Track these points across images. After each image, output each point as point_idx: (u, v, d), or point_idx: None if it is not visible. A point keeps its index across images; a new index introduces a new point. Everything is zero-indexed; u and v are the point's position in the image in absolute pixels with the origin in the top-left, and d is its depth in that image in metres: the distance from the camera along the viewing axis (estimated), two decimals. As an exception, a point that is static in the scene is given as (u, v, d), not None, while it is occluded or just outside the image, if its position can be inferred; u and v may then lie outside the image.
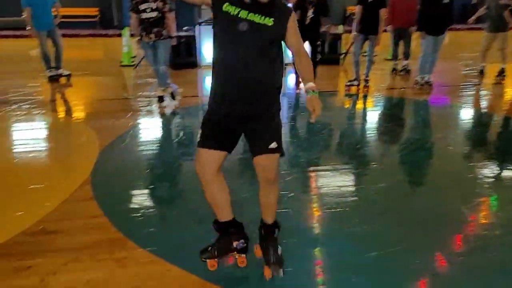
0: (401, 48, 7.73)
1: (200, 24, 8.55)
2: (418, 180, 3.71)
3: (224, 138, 2.18)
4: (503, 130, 5.09)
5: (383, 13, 6.19)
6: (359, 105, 6.36)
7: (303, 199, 3.20)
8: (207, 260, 2.32)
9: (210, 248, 2.32)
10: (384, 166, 3.83)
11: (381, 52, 8.80)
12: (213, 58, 2.12)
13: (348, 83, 6.75)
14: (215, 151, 2.16)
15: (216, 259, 2.32)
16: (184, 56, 8.47)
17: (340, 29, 9.44)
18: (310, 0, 6.21)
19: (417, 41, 6.92)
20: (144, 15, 5.18)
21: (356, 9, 6.44)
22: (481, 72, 7.64)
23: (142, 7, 5.16)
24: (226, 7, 1.99)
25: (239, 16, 1.97)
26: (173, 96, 5.71)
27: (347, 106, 6.38)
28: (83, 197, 3.15)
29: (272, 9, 2.00)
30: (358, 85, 6.68)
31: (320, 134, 4.75)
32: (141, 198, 3.22)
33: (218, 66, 2.10)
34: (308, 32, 6.31)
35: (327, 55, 8.62)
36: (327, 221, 2.87)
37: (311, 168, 3.77)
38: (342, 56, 9.07)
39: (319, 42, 6.68)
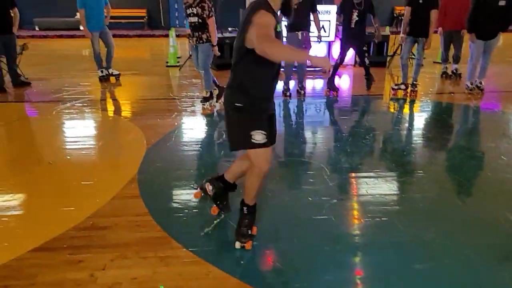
0: (452, 51, 7.44)
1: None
2: (468, 190, 3.55)
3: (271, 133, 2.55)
4: None
5: (435, 14, 5.95)
6: (406, 109, 6.17)
7: (345, 206, 3.14)
8: (246, 242, 2.58)
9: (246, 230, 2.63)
10: (431, 174, 3.69)
11: (429, 55, 8.50)
12: (262, 65, 2.31)
13: (395, 87, 6.57)
14: (271, 146, 2.53)
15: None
16: (228, 57, 8.56)
17: (387, 30, 9.21)
18: (355, 2, 6.10)
19: (467, 43, 6.62)
20: (189, 19, 5.40)
21: (405, 10, 6.24)
22: None
23: (188, 11, 5.37)
24: (278, 28, 2.33)
25: (279, 30, 2.38)
26: (215, 97, 5.83)
27: (393, 110, 6.21)
28: (130, 194, 3.26)
29: None
30: (405, 89, 6.49)
31: (364, 139, 4.66)
32: (184, 198, 3.29)
33: (268, 70, 2.39)
34: (354, 37, 6.22)
35: (373, 57, 8.44)
36: (370, 230, 2.81)
37: (354, 174, 3.71)
38: (388, 59, 8.85)
39: (365, 48, 6.52)
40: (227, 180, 2.88)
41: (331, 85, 6.66)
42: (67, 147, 4.44)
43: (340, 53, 6.48)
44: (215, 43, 5.54)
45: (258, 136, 2.39)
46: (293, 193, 3.35)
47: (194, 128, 5.21)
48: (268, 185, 3.43)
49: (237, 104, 2.41)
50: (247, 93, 2.40)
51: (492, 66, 6.68)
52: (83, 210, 3.02)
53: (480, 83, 6.35)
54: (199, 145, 4.56)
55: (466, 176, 3.74)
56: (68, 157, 4.14)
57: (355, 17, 6.13)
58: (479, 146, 4.56)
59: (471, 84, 6.36)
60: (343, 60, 6.60)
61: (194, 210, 3.07)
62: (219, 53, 5.87)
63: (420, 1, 5.99)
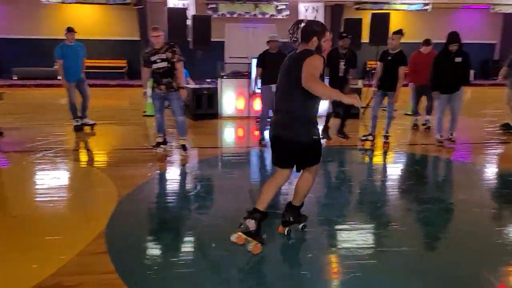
0: (423, 103, 7.74)
1: (222, 77, 8.81)
2: (442, 244, 3.55)
3: None
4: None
5: (402, 71, 6.24)
6: (379, 161, 6.28)
7: (321, 261, 3.08)
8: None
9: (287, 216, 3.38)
10: (405, 227, 3.69)
11: (401, 107, 8.81)
12: (316, 100, 3.01)
13: (363, 138, 6.73)
14: None
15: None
16: (205, 107, 8.68)
17: (360, 83, 9.56)
18: (342, 52, 6.40)
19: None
20: (154, 66, 5.43)
21: (378, 66, 6.54)
22: (508, 127, 7.54)
23: (153, 58, 5.41)
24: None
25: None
26: (185, 148, 5.83)
27: (366, 161, 6.31)
28: (97, 250, 3.12)
29: None
30: (373, 140, 6.65)
31: (339, 191, 4.67)
32: (155, 253, 3.16)
33: (316, 104, 3.08)
34: (341, 86, 6.45)
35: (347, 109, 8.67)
36: (347, 286, 2.74)
37: (331, 227, 3.67)
38: (362, 111, 9.11)
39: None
40: (295, 205, 3.38)
41: (326, 134, 6.81)
42: (35, 199, 4.29)
43: (332, 103, 6.72)
44: (183, 85, 5.65)
45: None
46: (268, 248, 3.27)
47: (168, 179, 5.14)
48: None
49: (315, 137, 3.08)
50: (315, 125, 3.09)
51: (464, 119, 6.93)
52: (47, 267, 2.85)
53: (451, 134, 6.54)
54: (173, 197, 4.47)
55: (440, 228, 3.75)
56: (35, 209, 3.97)
57: (342, 66, 6.40)
58: (451, 198, 4.62)
59: (441, 136, 6.55)
60: (335, 109, 6.83)
61: (164, 268, 2.94)
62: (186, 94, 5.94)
63: (389, 58, 6.30)
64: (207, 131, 7.84)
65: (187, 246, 3.37)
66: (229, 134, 8.01)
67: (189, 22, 9.58)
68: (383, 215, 4.01)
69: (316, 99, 2.98)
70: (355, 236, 3.45)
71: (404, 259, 3.09)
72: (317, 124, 3.14)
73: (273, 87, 6.17)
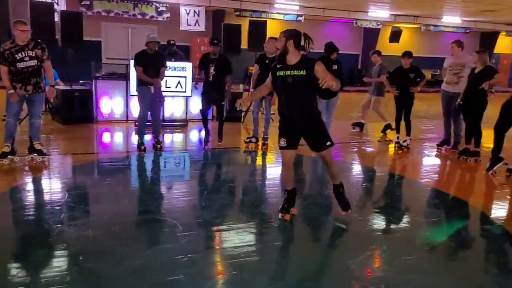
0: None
1: (97, 78, 8.25)
2: (313, 236, 3.78)
3: None
4: (386, 185, 5.53)
5: None
6: (259, 161, 6.50)
7: (199, 263, 3.03)
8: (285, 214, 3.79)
9: (284, 205, 3.83)
10: (281, 223, 3.85)
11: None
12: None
13: (247, 140, 6.92)
14: None
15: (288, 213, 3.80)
16: (78, 111, 8.01)
17: (241, 87, 9.81)
18: (212, 58, 6.42)
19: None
20: (21, 64, 4.89)
21: (254, 68, 6.77)
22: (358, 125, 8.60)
23: (19, 55, 4.87)
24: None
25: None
26: (41, 153, 5.32)
27: (247, 163, 6.48)
28: None
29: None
30: (256, 142, 6.87)
31: (219, 192, 4.69)
32: (19, 274, 2.78)
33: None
34: (213, 90, 6.47)
35: (229, 113, 8.82)
36: (224, 287, 2.74)
37: (209, 229, 3.65)
38: (243, 114, 9.35)
39: (223, 102, 6.80)
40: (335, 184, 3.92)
41: (206, 139, 6.78)
42: None
43: (202, 107, 6.69)
44: (53, 83, 5.26)
45: None
46: (144, 255, 3.11)
47: (33, 188, 4.60)
48: (116, 248, 3.15)
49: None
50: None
51: (334, 122, 7.49)
52: None
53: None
54: (34, 210, 4.01)
55: (313, 223, 4.00)
56: None
57: (211, 71, 6.41)
58: (323, 193, 4.97)
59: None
60: (205, 114, 6.80)
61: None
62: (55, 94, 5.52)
63: (266, 62, 6.56)
64: (80, 136, 7.25)
65: (55, 262, 3.03)
66: (106, 139, 7.52)
67: (57, 18, 8.75)
68: (261, 214, 4.13)
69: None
70: (233, 236, 3.49)
71: (280, 254, 3.22)
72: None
73: (152, 88, 5.99)
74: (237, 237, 3.47)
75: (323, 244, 3.63)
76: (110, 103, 8.30)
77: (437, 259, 3.37)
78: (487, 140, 6.30)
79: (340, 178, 3.94)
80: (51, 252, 3.16)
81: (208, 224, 3.73)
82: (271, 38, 6.61)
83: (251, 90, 6.79)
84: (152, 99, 6.06)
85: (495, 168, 5.64)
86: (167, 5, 13.46)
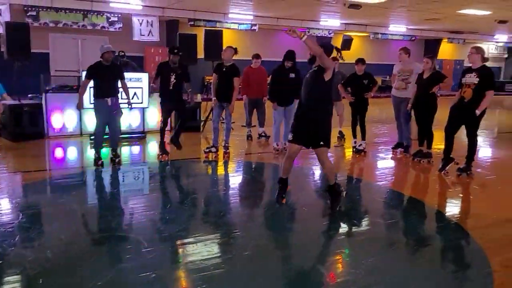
0: (256, 116, 8.28)
1: (47, 91, 7.89)
2: (280, 243, 3.80)
3: None
4: (346, 189, 5.66)
5: (236, 82, 6.57)
6: (221, 171, 6.46)
7: (167, 279, 2.95)
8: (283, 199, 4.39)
9: (279, 192, 4.43)
10: (248, 232, 3.84)
11: (238, 119, 9.27)
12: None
13: (207, 150, 6.86)
14: None
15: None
16: (28, 126, 7.62)
17: (199, 97, 9.74)
18: (172, 66, 6.34)
19: (269, 109, 7.48)
20: None
21: (212, 77, 6.79)
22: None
23: None
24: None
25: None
26: None
27: (209, 173, 6.42)
28: None
29: None
30: (216, 151, 6.83)
31: (182, 204, 4.61)
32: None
33: None
34: (174, 99, 6.38)
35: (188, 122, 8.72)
36: (193, 301, 2.68)
37: (175, 243, 3.57)
38: (202, 123, 9.29)
39: (188, 105, 6.75)
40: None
41: (163, 150, 6.60)
42: None
43: (162, 115, 6.58)
44: None
45: None
46: (108, 274, 2.98)
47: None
48: (77, 269, 3.01)
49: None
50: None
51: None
52: None
53: (285, 144, 7.10)
54: (-14, 233, 3.74)
55: (278, 230, 4.02)
56: None
57: (172, 79, 6.32)
58: (286, 200, 5.00)
59: (277, 145, 7.10)
60: (167, 123, 6.68)
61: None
62: None
63: (224, 70, 6.58)
64: (31, 153, 6.88)
65: (11, 287, 2.84)
66: (59, 154, 7.19)
67: (1, 29, 8.33)
68: (226, 224, 4.10)
69: None
70: (201, 248, 3.43)
71: (249, 263, 3.20)
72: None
73: (109, 100, 5.82)
74: (204, 249, 3.41)
75: (291, 250, 3.65)
76: (62, 117, 7.96)
77: (400, 258, 3.48)
78: (439, 141, 6.63)
79: (333, 180, 4.30)
80: (7, 276, 2.96)
81: (174, 238, 3.65)
82: (229, 47, 6.64)
83: (213, 98, 6.78)
84: (109, 112, 5.88)
85: (447, 168, 5.93)
86: (119, 15, 13.17)
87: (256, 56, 8.24)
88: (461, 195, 5.36)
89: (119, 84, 6.12)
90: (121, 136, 7.14)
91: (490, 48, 22.71)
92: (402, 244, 3.78)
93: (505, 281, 3.07)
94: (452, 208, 4.87)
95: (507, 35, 21.08)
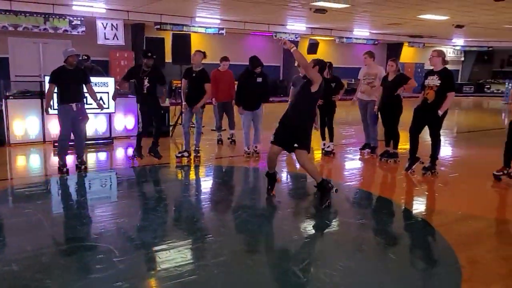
0: (226, 119, 8.25)
1: (8, 97, 7.57)
2: (254, 247, 3.79)
3: None
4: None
5: (208, 88, 6.56)
6: (192, 176, 6.40)
7: (140, 288, 2.88)
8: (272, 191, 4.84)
9: (268, 185, 4.90)
10: (221, 237, 3.81)
11: (208, 123, 9.21)
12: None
13: (179, 155, 6.78)
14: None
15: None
16: None
17: (167, 101, 9.61)
18: (144, 70, 6.25)
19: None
20: None
21: (182, 82, 6.77)
22: None
23: None
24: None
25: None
26: None
27: (180, 178, 6.33)
28: None
29: None
30: (188, 156, 6.76)
31: (154, 211, 4.51)
32: None
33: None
34: (149, 104, 6.29)
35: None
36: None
37: (148, 250, 3.50)
38: (171, 128, 9.17)
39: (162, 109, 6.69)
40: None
41: (138, 152, 6.53)
42: None
43: (142, 120, 6.50)
44: None
45: None
46: (78, 286, 2.88)
47: None
48: (46, 281, 2.89)
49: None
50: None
51: (266, 132, 7.61)
52: None
53: (256, 147, 7.13)
54: None
55: (253, 234, 4.00)
56: None
57: (146, 83, 6.23)
58: (258, 204, 5.01)
59: (248, 148, 7.09)
60: (146, 130, 6.58)
61: None
62: None
63: (194, 75, 6.54)
64: (-10, 162, 6.57)
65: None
66: (21, 163, 6.90)
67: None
68: (200, 229, 4.05)
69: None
70: (174, 255, 3.37)
71: (224, 268, 3.17)
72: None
73: (74, 106, 5.65)
74: (178, 256, 3.36)
75: (266, 254, 3.65)
76: (24, 124, 7.65)
77: (373, 257, 3.55)
78: (404, 142, 6.83)
79: (318, 178, 4.59)
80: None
81: (146, 246, 3.57)
82: (198, 51, 6.61)
83: (184, 103, 6.72)
84: (74, 118, 5.70)
85: (413, 167, 6.13)
86: (82, 18, 12.82)
87: (225, 59, 8.21)
88: (427, 193, 5.54)
89: (85, 89, 5.96)
90: (86, 142, 6.95)
91: (448, 51, 23.65)
92: (373, 243, 3.86)
93: (472, 276, 3.19)
94: (419, 206, 5.03)
95: (464, 39, 22.09)
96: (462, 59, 25.37)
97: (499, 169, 5.79)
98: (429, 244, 3.99)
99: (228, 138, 8.29)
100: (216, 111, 8.34)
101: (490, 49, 23.96)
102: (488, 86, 25.86)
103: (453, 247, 3.64)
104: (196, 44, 11.91)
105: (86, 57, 9.07)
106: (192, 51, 7.26)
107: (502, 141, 5.82)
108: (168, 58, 9.12)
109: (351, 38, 19.35)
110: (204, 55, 6.61)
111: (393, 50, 21.82)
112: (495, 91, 24.94)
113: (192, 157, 6.78)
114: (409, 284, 3.11)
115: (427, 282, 3.18)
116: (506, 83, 21.28)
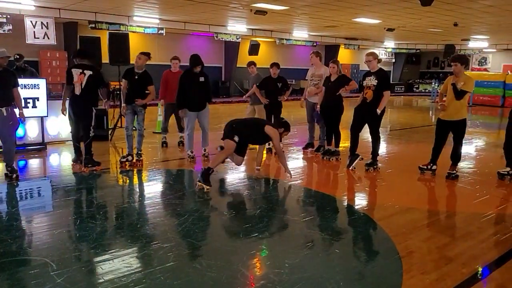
0: (172, 122, 8.06)
1: None
2: (200, 250, 3.72)
3: None
4: (263, 190, 5.77)
5: (151, 89, 6.38)
6: (135, 180, 6.17)
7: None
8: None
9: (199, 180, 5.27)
10: (167, 243, 3.70)
11: (149, 126, 8.96)
12: None
13: (123, 159, 6.51)
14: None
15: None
16: None
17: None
18: (80, 70, 5.93)
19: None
20: None
21: (123, 83, 6.54)
22: None
23: None
24: None
25: None
26: None
27: (122, 183, 6.08)
28: None
29: None
30: (132, 160, 6.52)
31: (95, 219, 4.28)
32: None
33: None
34: (80, 105, 5.98)
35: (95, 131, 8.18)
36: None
37: (89, 261, 3.31)
38: (110, 132, 8.79)
39: (93, 117, 6.30)
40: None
41: (77, 158, 6.37)
42: None
43: (75, 127, 6.20)
44: None
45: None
46: (11, 305, 2.66)
47: None
48: None
49: None
50: None
51: (213, 133, 7.53)
52: None
53: (205, 150, 6.97)
54: None
55: (199, 238, 3.94)
56: None
57: (79, 85, 5.91)
58: (204, 206, 4.94)
59: (192, 152, 6.89)
60: (76, 137, 6.30)
61: None
62: None
63: (136, 77, 6.34)
64: None
65: None
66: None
67: None
68: (144, 236, 3.91)
69: None
70: (118, 264, 3.22)
71: (172, 275, 3.08)
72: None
73: (4, 110, 5.25)
74: (122, 265, 3.21)
75: (215, 256, 3.59)
76: None
77: (319, 253, 3.63)
78: (344, 140, 7.08)
79: (212, 166, 5.34)
80: None
81: (87, 256, 3.38)
82: (143, 54, 6.42)
83: (123, 104, 6.48)
84: (3, 123, 5.27)
85: (353, 164, 6.37)
86: (8, 16, 11.94)
87: (174, 58, 7.99)
88: (367, 188, 5.78)
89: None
90: (16, 148, 6.47)
91: (381, 53, 24.95)
92: (319, 240, 3.94)
93: (412, 265, 3.36)
94: (361, 201, 5.23)
95: (394, 41, 23.45)
96: (393, 60, 26.90)
97: (424, 164, 6.18)
98: (371, 237, 4.15)
99: (179, 143, 8.10)
100: (163, 112, 8.13)
101: (418, 51, 25.65)
102: (417, 86, 27.68)
103: (393, 239, 3.82)
104: (135, 44, 11.56)
105: (18, 57, 8.43)
106: (131, 51, 7.03)
107: (430, 136, 6.24)
108: (105, 59, 8.74)
109: (290, 39, 19.78)
110: (148, 56, 6.44)
111: (331, 51, 22.66)
112: (423, 91, 26.75)
113: (134, 160, 6.54)
114: (354, 276, 3.21)
115: (371, 272, 3.31)
116: (433, 83, 22.93)
